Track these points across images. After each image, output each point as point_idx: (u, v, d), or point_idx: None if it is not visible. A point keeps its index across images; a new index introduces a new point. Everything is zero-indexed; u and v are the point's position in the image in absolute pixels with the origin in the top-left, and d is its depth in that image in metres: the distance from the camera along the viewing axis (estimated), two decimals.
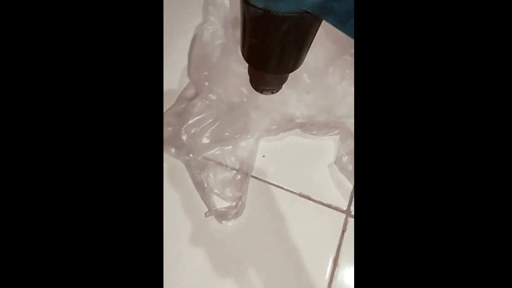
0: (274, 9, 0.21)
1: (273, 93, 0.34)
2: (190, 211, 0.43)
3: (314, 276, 0.39)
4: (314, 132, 0.45)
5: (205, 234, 0.42)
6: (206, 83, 0.45)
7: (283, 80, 0.32)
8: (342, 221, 0.41)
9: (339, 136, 0.44)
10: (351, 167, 0.41)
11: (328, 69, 0.44)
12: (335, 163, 0.43)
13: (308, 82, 0.45)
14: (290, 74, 0.32)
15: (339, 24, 0.20)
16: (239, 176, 0.43)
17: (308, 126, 0.44)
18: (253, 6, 0.22)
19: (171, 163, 0.45)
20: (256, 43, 0.25)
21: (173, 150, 0.44)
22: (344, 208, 0.42)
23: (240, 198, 0.42)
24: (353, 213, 0.41)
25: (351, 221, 0.41)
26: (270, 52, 0.26)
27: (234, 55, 0.44)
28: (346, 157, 0.42)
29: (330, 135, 0.45)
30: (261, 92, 0.34)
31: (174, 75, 0.50)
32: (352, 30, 0.20)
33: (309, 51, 0.28)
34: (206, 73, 0.45)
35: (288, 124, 0.44)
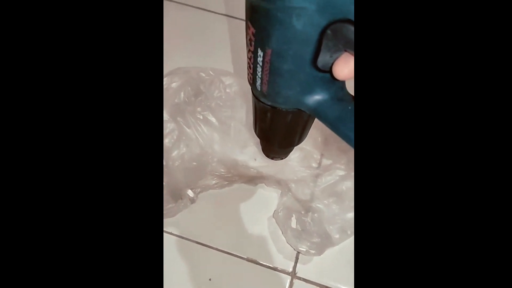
0: (279, 106, 0.25)
1: (282, 158, 0.38)
2: None
3: None
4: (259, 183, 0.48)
5: None
6: None
7: (290, 150, 0.37)
8: (288, 284, 0.43)
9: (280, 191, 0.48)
10: (285, 223, 0.44)
11: None
12: (273, 216, 0.46)
13: (255, 150, 0.50)
14: None
15: (331, 127, 0.24)
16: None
17: (255, 179, 0.48)
18: (262, 103, 0.26)
19: None
20: (265, 126, 0.30)
21: None
22: (290, 270, 0.44)
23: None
24: (298, 274, 0.44)
25: (297, 283, 0.43)
26: (277, 133, 0.31)
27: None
28: (281, 213, 0.45)
29: (274, 188, 0.48)
30: (272, 158, 0.38)
31: None
32: (343, 135, 0.23)
33: None
34: None
35: (233, 178, 0.48)
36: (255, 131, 0.33)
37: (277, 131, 0.30)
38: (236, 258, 0.45)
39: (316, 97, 0.23)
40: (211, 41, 0.59)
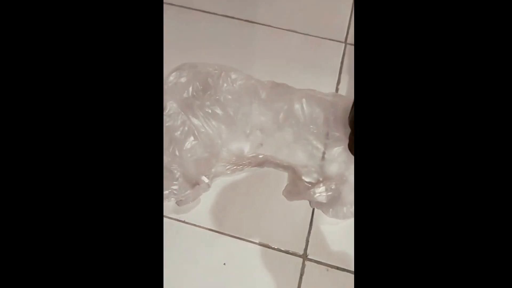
0: None
1: None
2: None
3: None
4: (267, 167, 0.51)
5: None
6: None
7: None
8: (300, 266, 0.45)
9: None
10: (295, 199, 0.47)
11: (283, 127, 0.52)
12: (282, 193, 0.49)
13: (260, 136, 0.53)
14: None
15: None
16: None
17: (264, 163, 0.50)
18: None
19: None
20: None
21: None
22: (301, 253, 0.46)
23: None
24: (309, 256, 0.45)
25: (309, 264, 0.45)
26: None
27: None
28: (289, 187, 0.48)
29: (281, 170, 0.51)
30: None
31: None
32: None
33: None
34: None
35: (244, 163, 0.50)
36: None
37: None
38: (248, 243, 0.46)
39: None
40: (212, 41, 0.61)
